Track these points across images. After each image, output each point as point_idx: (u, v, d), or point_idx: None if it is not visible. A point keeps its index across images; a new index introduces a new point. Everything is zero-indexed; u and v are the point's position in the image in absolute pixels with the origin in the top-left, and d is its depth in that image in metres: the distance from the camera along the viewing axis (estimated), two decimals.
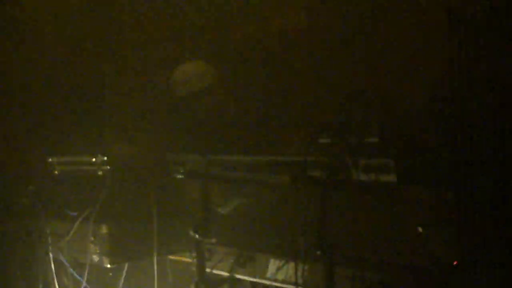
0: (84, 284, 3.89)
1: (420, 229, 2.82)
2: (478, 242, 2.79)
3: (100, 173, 3.77)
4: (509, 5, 2.88)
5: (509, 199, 2.79)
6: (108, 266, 3.73)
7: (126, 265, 3.96)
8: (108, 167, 3.74)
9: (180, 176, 3.54)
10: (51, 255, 4.05)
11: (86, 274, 3.84)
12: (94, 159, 3.79)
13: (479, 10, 2.90)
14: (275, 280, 3.30)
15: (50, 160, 4.11)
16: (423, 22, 3.42)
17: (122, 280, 3.98)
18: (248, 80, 4.25)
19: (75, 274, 3.95)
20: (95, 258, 3.75)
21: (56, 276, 4.09)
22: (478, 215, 2.82)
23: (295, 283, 3.09)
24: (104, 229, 3.69)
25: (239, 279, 3.48)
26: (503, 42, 2.89)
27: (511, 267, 2.73)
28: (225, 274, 3.52)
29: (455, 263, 2.79)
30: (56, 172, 4.10)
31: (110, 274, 3.98)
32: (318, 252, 2.96)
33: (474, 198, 2.83)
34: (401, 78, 3.49)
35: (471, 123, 2.95)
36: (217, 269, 3.53)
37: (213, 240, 3.45)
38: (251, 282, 3.44)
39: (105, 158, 3.76)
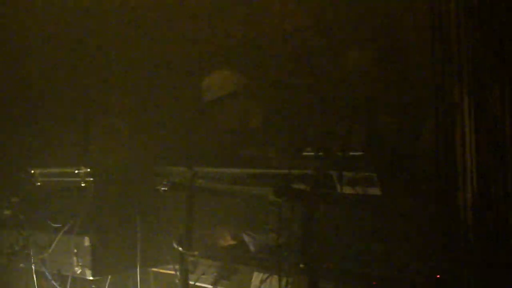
0: None
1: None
2: (462, 255, 2.80)
3: (83, 184, 3.75)
4: None
5: (494, 210, 2.79)
6: (91, 278, 3.71)
7: (109, 278, 3.94)
8: (92, 179, 3.73)
9: (164, 189, 3.53)
10: (33, 266, 4.02)
11: (68, 286, 3.81)
12: (77, 171, 3.77)
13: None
14: None
15: (33, 171, 4.09)
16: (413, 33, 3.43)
17: None
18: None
19: (58, 286, 3.92)
20: (78, 270, 3.73)
21: None
22: (463, 228, 2.83)
23: None
24: (87, 241, 3.67)
25: None
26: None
27: (494, 280, 2.74)
28: (209, 286, 3.51)
29: (438, 276, 2.80)
30: (39, 184, 4.07)
31: (93, 286, 3.95)
32: (302, 265, 2.95)
33: (458, 211, 2.84)
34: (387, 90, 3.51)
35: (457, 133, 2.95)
36: (201, 281, 3.52)
37: (196, 253, 3.44)
38: None
39: (89, 170, 3.74)
